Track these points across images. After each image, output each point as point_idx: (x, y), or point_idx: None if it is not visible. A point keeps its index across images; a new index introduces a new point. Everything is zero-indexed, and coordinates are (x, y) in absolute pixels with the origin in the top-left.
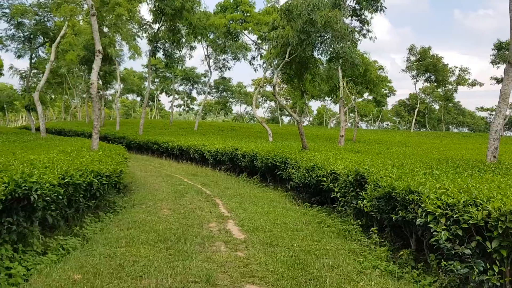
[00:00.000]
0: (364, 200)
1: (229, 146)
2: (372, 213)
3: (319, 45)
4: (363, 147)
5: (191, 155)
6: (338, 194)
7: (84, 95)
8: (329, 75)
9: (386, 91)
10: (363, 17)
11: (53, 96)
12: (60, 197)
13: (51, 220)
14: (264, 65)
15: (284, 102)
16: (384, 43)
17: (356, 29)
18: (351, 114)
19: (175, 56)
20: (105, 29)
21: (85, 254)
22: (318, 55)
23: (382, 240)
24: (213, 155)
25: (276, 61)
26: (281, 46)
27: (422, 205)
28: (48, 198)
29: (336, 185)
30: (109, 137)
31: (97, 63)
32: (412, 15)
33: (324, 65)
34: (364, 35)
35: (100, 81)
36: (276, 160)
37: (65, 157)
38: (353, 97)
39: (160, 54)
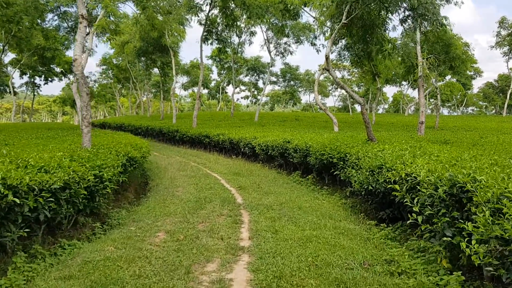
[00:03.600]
0: (473, 241)
1: (281, 138)
2: (492, 268)
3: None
4: (450, 136)
5: (242, 149)
6: (420, 218)
7: (154, 90)
8: (406, 52)
9: (471, 73)
10: None
11: (123, 91)
12: None
13: None
14: (327, 44)
15: (356, 89)
16: (467, 24)
17: None
18: (431, 100)
19: (229, 41)
20: (160, 17)
21: None
22: (387, 14)
23: None
24: (264, 149)
25: (330, 29)
26: (336, 4)
27: None
28: None
29: (416, 201)
30: (164, 130)
31: (81, 33)
32: None
33: (400, 34)
34: (448, 0)
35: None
36: (333, 155)
37: None
38: (433, 79)
39: (214, 42)
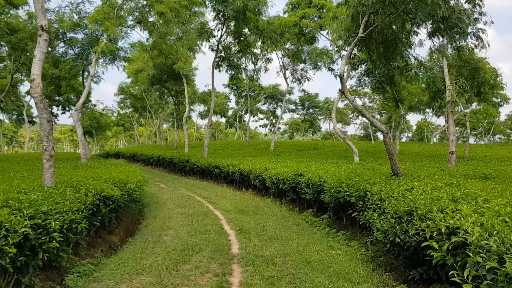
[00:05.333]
0: None
1: (292, 171)
2: None
3: (413, 9)
4: (486, 168)
5: (252, 182)
6: None
7: (171, 119)
8: (430, 77)
9: (498, 100)
10: None
11: (141, 120)
12: None
13: None
14: (342, 62)
15: (378, 116)
16: (489, 52)
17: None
18: (456, 128)
19: (242, 67)
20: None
21: None
22: (413, 26)
23: None
24: (275, 182)
25: (344, 42)
26: (352, 16)
27: None
28: None
29: (466, 274)
30: (174, 160)
31: (40, 48)
32: None
33: (426, 52)
34: (476, 19)
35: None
36: (351, 194)
37: None
38: (461, 106)
39: (228, 69)
